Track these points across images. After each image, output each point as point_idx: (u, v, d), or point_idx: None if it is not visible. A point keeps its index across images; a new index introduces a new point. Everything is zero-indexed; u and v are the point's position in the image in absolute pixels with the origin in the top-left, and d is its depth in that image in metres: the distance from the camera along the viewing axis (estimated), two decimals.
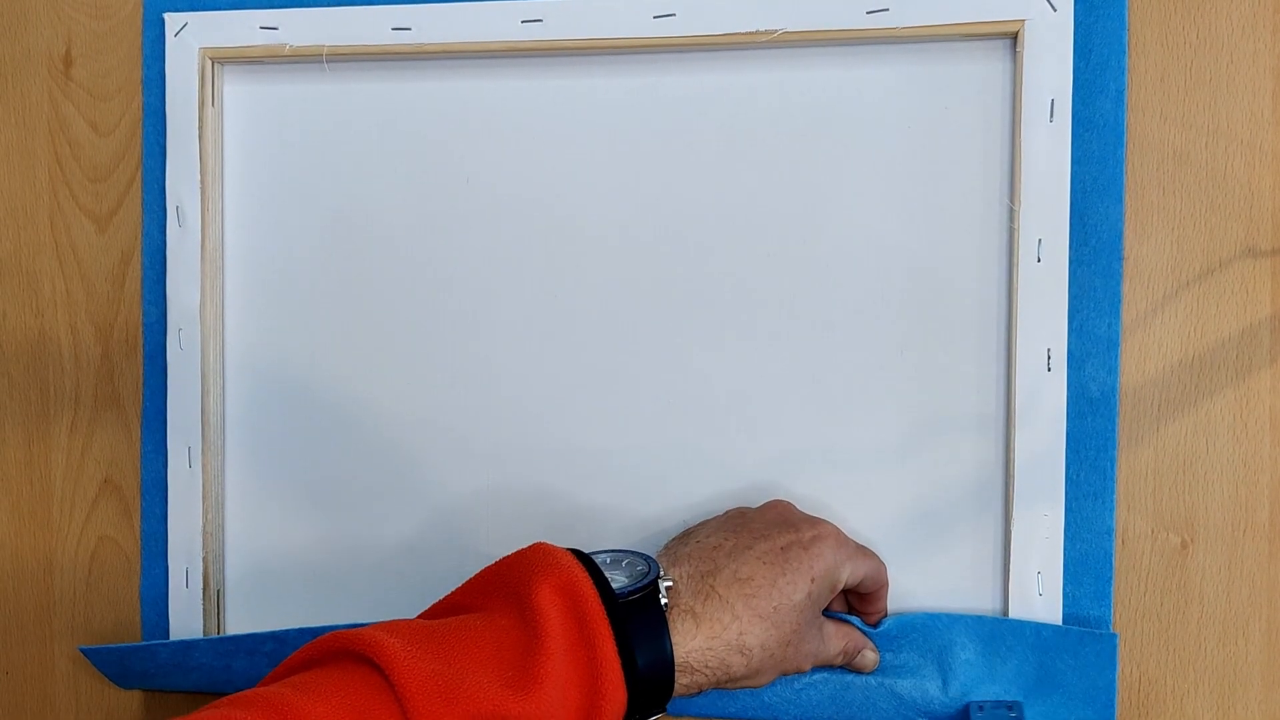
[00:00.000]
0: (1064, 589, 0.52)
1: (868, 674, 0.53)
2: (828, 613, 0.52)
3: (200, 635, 0.58)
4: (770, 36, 0.53)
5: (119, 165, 0.60)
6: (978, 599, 0.54)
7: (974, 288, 0.54)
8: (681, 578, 0.47)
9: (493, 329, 0.57)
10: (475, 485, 0.58)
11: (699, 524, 0.52)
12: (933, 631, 0.52)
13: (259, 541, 0.59)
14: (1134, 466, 0.53)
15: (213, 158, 0.58)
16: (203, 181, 0.58)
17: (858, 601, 0.53)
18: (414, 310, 0.58)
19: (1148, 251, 0.53)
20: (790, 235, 0.55)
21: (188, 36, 0.58)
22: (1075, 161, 0.52)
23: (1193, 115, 0.52)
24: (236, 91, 0.59)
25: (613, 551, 0.48)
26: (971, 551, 0.54)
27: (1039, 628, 0.51)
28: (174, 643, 0.57)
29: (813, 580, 0.47)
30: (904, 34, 0.53)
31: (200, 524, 0.58)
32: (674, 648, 0.45)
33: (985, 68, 0.53)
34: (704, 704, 0.54)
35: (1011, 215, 0.53)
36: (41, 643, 0.62)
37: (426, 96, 0.57)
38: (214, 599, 0.59)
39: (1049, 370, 0.52)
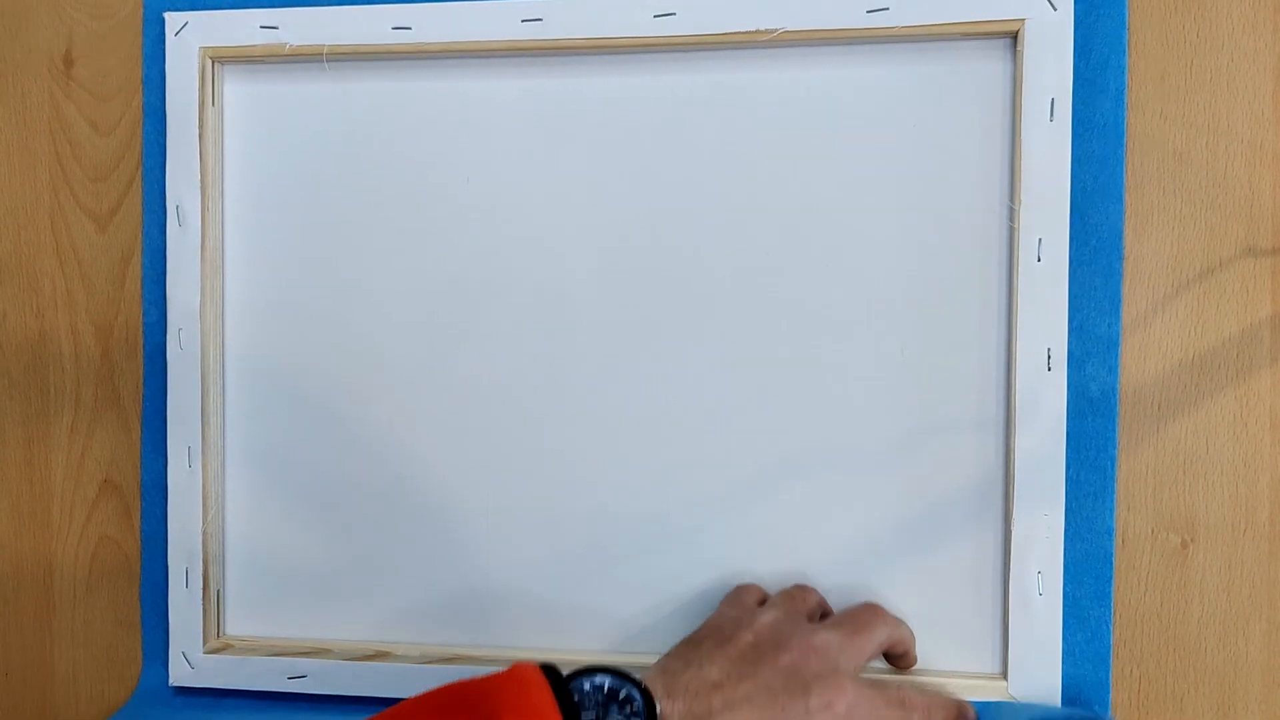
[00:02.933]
0: (1064, 589, 0.52)
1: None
2: None
3: (200, 636, 0.58)
4: (770, 36, 0.53)
5: (119, 165, 0.60)
6: (978, 599, 0.54)
7: (974, 287, 0.54)
8: (674, 714, 0.43)
9: (493, 328, 0.57)
10: (475, 484, 0.58)
11: (705, 636, 0.48)
12: None
13: (259, 541, 0.59)
14: (1134, 466, 0.53)
15: (213, 157, 0.58)
16: (203, 181, 0.58)
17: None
18: (414, 309, 0.58)
19: (1148, 251, 0.53)
20: (790, 235, 0.55)
21: (188, 36, 0.58)
22: (1075, 161, 0.52)
23: (1193, 114, 0.52)
24: (236, 91, 0.59)
25: (600, 671, 0.44)
26: (971, 551, 0.54)
27: (1030, 709, 0.50)
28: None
29: None
30: (904, 33, 0.53)
31: (200, 524, 0.58)
32: None
33: (985, 67, 0.53)
34: None
35: (1011, 215, 0.53)
36: (41, 643, 0.62)
37: (426, 96, 0.57)
38: (214, 599, 0.59)
39: (1049, 370, 0.52)
